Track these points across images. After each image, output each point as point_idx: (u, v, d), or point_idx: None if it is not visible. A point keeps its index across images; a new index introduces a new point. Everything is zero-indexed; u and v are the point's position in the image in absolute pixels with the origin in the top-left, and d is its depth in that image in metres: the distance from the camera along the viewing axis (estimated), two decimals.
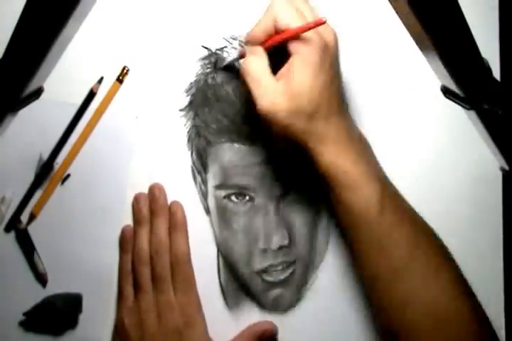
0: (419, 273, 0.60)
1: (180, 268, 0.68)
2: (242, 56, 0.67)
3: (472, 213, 0.73)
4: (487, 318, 0.61)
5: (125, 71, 0.72)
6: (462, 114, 0.55)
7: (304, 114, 0.59)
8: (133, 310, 0.68)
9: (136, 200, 0.71)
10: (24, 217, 0.70)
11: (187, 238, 0.70)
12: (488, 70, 0.49)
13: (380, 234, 0.60)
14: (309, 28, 0.58)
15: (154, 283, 0.68)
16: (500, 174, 0.72)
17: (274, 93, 0.60)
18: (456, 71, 0.48)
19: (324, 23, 0.58)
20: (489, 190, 0.73)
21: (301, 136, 0.61)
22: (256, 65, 0.62)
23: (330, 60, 0.61)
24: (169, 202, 0.71)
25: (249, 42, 0.64)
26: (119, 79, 0.72)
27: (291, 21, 0.60)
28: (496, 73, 0.69)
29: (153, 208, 0.70)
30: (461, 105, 0.52)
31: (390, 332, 0.61)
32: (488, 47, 0.69)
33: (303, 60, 0.59)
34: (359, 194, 0.60)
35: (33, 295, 0.69)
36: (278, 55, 0.62)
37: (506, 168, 0.58)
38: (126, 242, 0.70)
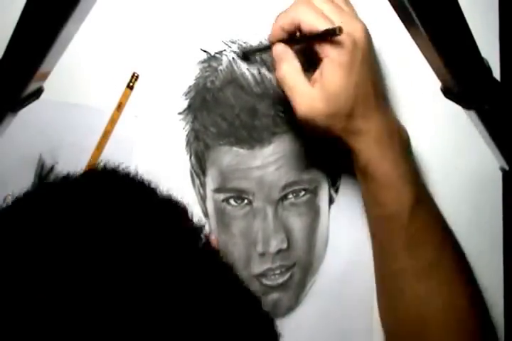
0: (442, 277, 0.62)
1: None
2: (270, 46, 0.66)
3: (472, 213, 0.73)
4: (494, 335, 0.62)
5: (135, 77, 0.72)
6: (462, 114, 0.55)
7: (342, 114, 0.60)
8: None
9: None
10: None
11: None
12: (488, 70, 0.49)
13: (408, 237, 0.61)
14: (328, 35, 0.59)
15: None
16: (500, 174, 0.72)
17: (311, 99, 0.60)
18: (456, 71, 0.48)
19: (339, 34, 0.57)
20: (489, 190, 0.73)
21: (341, 134, 0.62)
22: (290, 73, 0.62)
23: (361, 57, 0.61)
24: None
25: (271, 39, 0.65)
26: (130, 86, 0.72)
27: (314, 23, 0.60)
28: (496, 73, 0.70)
29: None
30: (461, 105, 0.52)
31: (397, 332, 0.62)
32: (488, 47, 0.69)
33: (333, 62, 0.60)
34: (394, 196, 0.61)
35: None
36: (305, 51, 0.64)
37: (506, 168, 0.58)
38: None
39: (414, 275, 0.63)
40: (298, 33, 0.63)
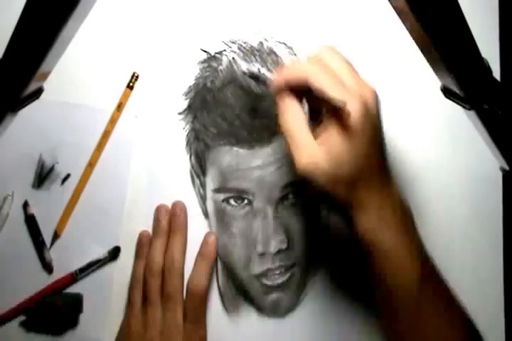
0: None
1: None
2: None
3: (472, 213, 0.73)
4: None
5: (135, 77, 0.72)
6: (462, 114, 0.55)
7: (344, 181, 0.56)
8: (140, 319, 0.68)
9: (158, 211, 0.71)
10: (47, 236, 0.71)
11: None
12: (488, 70, 0.49)
13: (416, 310, 0.59)
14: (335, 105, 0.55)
15: (163, 299, 0.68)
16: (500, 174, 0.72)
17: (313, 155, 0.56)
18: (456, 71, 0.48)
19: (348, 114, 0.54)
20: (489, 190, 0.73)
21: (342, 202, 0.58)
22: (294, 124, 0.58)
23: (370, 124, 0.56)
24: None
25: (274, 86, 0.60)
26: (130, 86, 0.72)
27: (324, 85, 0.56)
28: (496, 73, 0.70)
29: (172, 225, 0.71)
30: (461, 105, 0.52)
31: None
32: (488, 47, 0.69)
33: (340, 125, 0.56)
34: (399, 268, 0.58)
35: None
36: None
37: (506, 168, 0.58)
38: (141, 248, 0.71)
39: None
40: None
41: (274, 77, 0.60)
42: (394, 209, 0.59)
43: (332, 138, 0.56)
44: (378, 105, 0.58)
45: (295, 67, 0.61)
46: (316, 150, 0.56)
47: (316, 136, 0.58)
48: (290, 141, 0.58)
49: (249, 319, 0.71)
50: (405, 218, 0.60)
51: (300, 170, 0.57)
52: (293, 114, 0.59)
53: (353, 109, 0.55)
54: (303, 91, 0.58)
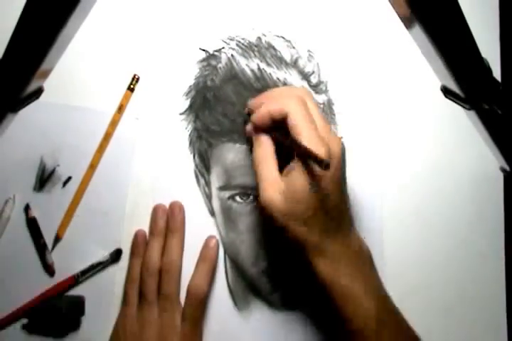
0: None
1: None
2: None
3: (473, 214, 0.73)
4: None
5: (135, 79, 0.73)
6: (462, 114, 0.55)
7: (300, 221, 0.59)
8: (135, 319, 0.68)
9: (155, 211, 0.71)
10: (49, 239, 0.71)
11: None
12: (488, 70, 0.49)
13: None
14: (309, 154, 0.56)
15: (160, 300, 0.68)
16: (501, 174, 0.72)
17: (275, 191, 0.60)
18: (456, 71, 0.48)
19: (327, 166, 0.55)
20: (490, 190, 0.73)
21: (298, 244, 0.60)
22: (263, 160, 0.62)
23: (333, 173, 0.59)
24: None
25: (253, 124, 0.64)
26: (130, 88, 0.72)
27: (300, 124, 0.59)
28: (496, 73, 0.69)
29: (170, 225, 0.71)
30: (461, 105, 0.52)
31: None
32: (489, 47, 0.69)
33: (304, 170, 0.59)
34: (355, 307, 0.60)
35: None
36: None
37: (507, 168, 0.58)
38: (137, 247, 0.71)
39: None
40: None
41: (253, 105, 0.65)
42: (350, 253, 0.61)
43: (296, 177, 0.59)
44: (344, 155, 0.63)
45: (278, 100, 0.63)
46: (279, 186, 0.60)
47: (285, 173, 0.61)
48: (257, 174, 0.62)
49: (260, 314, 0.71)
50: (363, 260, 0.63)
51: (261, 202, 0.60)
52: (264, 150, 0.62)
53: (320, 157, 0.57)
54: (277, 124, 0.62)
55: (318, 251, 0.60)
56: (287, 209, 0.59)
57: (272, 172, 0.61)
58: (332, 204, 0.60)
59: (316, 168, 0.57)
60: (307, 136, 0.58)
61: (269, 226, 0.62)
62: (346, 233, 0.62)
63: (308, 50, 0.74)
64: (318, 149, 0.57)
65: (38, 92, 0.52)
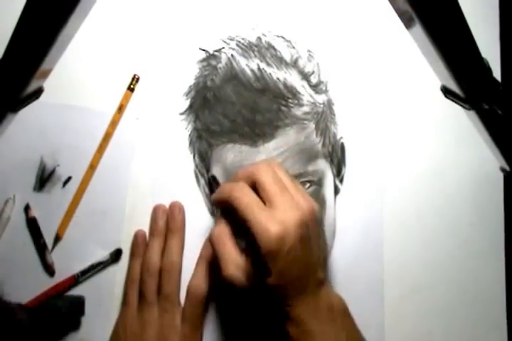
0: None
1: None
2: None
3: (474, 214, 0.73)
4: None
5: (135, 79, 0.73)
6: (462, 114, 0.55)
7: (265, 288, 0.59)
8: (135, 319, 0.68)
9: (155, 211, 0.71)
10: (49, 239, 0.71)
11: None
12: (488, 70, 0.49)
13: None
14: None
15: (160, 300, 0.68)
16: (501, 174, 0.72)
17: (234, 269, 0.59)
18: (456, 71, 0.48)
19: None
20: (491, 190, 0.73)
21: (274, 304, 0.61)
22: (218, 238, 0.61)
23: (306, 235, 0.58)
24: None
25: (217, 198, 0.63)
26: (130, 88, 0.72)
27: (269, 186, 0.59)
28: (496, 73, 0.69)
29: (170, 225, 0.71)
30: (461, 105, 0.52)
31: None
32: (489, 47, 0.69)
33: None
34: None
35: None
36: None
37: (507, 168, 0.58)
38: (137, 247, 0.71)
39: None
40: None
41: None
42: (318, 315, 0.60)
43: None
44: (319, 217, 0.61)
45: (249, 167, 0.63)
46: (237, 264, 0.59)
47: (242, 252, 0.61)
48: (217, 253, 0.61)
49: None
50: (339, 313, 0.62)
51: (223, 277, 0.59)
52: (221, 229, 0.62)
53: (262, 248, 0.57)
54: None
55: (294, 309, 0.59)
56: (248, 285, 0.59)
57: (230, 252, 0.60)
58: (291, 275, 0.58)
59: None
60: (254, 220, 0.57)
61: None
62: (313, 291, 0.60)
63: (308, 50, 0.74)
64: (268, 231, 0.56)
65: (38, 92, 0.52)
